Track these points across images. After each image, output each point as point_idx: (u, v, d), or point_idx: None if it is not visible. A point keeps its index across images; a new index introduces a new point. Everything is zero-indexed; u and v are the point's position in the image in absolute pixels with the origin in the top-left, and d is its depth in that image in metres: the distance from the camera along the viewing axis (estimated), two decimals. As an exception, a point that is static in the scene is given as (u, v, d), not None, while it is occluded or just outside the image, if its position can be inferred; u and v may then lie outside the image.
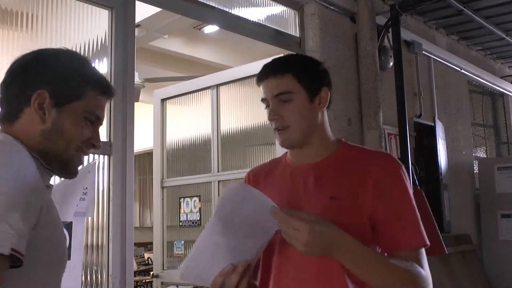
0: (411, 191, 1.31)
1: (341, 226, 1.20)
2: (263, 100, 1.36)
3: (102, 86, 1.11)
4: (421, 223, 1.29)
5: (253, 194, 1.20)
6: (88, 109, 1.08)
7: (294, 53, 3.20)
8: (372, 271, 1.20)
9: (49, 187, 1.09)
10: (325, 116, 1.38)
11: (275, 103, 1.32)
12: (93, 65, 1.15)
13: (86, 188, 2.02)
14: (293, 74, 1.32)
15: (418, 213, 1.29)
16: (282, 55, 3.06)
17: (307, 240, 1.12)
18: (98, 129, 1.12)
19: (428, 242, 1.27)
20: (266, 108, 1.36)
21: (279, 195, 1.32)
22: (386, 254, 1.29)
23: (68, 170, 1.10)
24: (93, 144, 1.11)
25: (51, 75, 1.06)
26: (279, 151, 3.17)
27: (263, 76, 1.35)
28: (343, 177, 1.30)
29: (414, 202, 1.30)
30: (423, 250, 1.28)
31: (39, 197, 0.95)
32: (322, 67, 1.40)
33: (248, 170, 1.54)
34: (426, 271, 1.25)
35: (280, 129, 1.33)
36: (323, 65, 1.42)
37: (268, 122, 1.37)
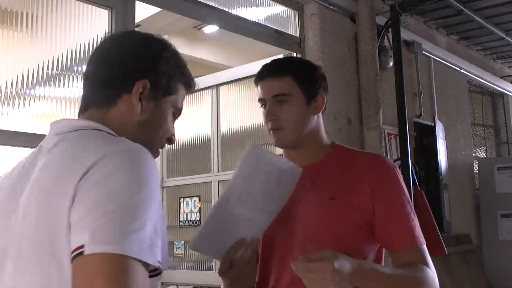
0: (406, 191, 1.33)
1: (340, 226, 1.23)
2: (260, 100, 1.37)
3: (190, 82, 1.09)
4: (416, 222, 1.31)
5: (268, 158, 1.19)
6: (177, 104, 1.05)
7: (293, 55, 3.21)
8: (385, 285, 1.22)
9: None
10: (320, 120, 1.40)
11: (273, 104, 1.33)
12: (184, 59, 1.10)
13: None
14: (293, 77, 1.33)
15: (414, 213, 1.31)
16: (282, 55, 3.08)
17: (332, 278, 1.10)
18: (174, 124, 1.08)
19: (424, 242, 1.29)
20: (261, 107, 1.37)
21: None
22: (390, 254, 1.32)
23: None
24: (171, 140, 1.06)
25: (157, 66, 1.00)
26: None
27: (262, 76, 1.36)
28: (339, 179, 1.32)
29: (409, 202, 1.32)
30: (424, 247, 1.29)
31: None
32: (320, 72, 1.41)
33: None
34: (431, 269, 1.27)
35: (275, 129, 1.34)
36: (321, 70, 1.43)
37: (264, 117, 1.37)
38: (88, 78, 1.01)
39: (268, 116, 1.34)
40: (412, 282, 1.22)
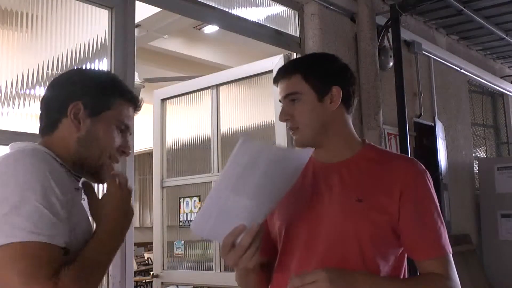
0: (435, 198, 1.30)
1: (364, 228, 1.23)
2: (279, 100, 1.38)
3: (129, 98, 1.22)
4: (443, 231, 1.28)
5: (274, 152, 1.17)
6: (118, 118, 1.18)
7: (293, 55, 3.21)
8: None
9: (78, 189, 1.18)
10: (343, 115, 1.36)
11: (286, 104, 1.34)
12: (121, 80, 1.27)
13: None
14: (301, 75, 1.32)
15: (441, 221, 1.28)
16: (281, 55, 3.08)
17: (330, 283, 1.12)
18: (127, 137, 1.22)
19: (450, 250, 1.27)
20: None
21: (301, 191, 1.32)
22: (414, 262, 1.30)
23: (100, 176, 1.19)
24: (124, 152, 1.21)
25: (85, 88, 1.17)
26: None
27: (276, 78, 1.38)
28: (368, 180, 1.29)
29: (438, 209, 1.29)
30: (448, 257, 1.26)
31: (67, 199, 1.05)
32: (335, 65, 1.39)
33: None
34: (451, 281, 1.24)
35: (292, 129, 1.34)
36: (338, 61, 1.40)
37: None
38: (40, 115, 1.21)
39: (281, 116, 1.34)
40: None
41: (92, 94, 1.17)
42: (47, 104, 1.20)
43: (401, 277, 1.32)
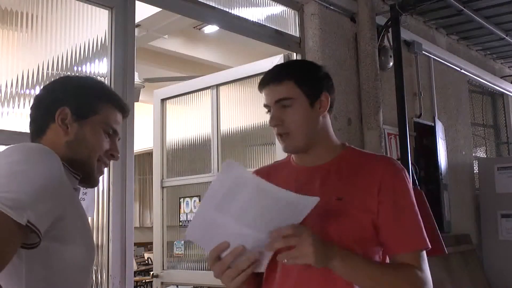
0: (412, 195, 1.33)
1: (346, 226, 1.25)
2: (265, 105, 1.38)
3: (116, 103, 1.25)
4: (421, 226, 1.31)
5: (263, 186, 1.14)
6: (106, 122, 1.21)
7: (293, 55, 3.22)
8: (368, 277, 1.22)
9: (77, 189, 1.21)
10: (327, 120, 1.40)
11: (276, 109, 1.34)
12: (109, 86, 1.29)
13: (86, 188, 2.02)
14: (294, 80, 1.34)
15: (419, 217, 1.32)
16: (281, 55, 3.08)
17: (313, 249, 1.12)
18: (115, 141, 1.25)
19: (428, 245, 1.30)
20: (267, 113, 1.38)
21: None
22: (387, 256, 1.32)
23: (91, 179, 1.22)
24: (112, 155, 1.23)
25: (71, 94, 1.20)
26: (279, 151, 3.17)
27: (264, 82, 1.38)
28: (348, 180, 1.32)
29: (415, 206, 1.32)
30: (423, 253, 1.30)
31: (64, 194, 1.07)
32: (322, 72, 1.41)
33: (248, 170, 1.54)
34: (424, 274, 1.27)
35: (282, 135, 1.35)
36: (324, 69, 1.43)
37: (268, 123, 1.38)
38: (29, 122, 1.23)
39: (272, 121, 1.34)
40: (396, 277, 1.23)
41: (78, 99, 1.20)
42: (35, 112, 1.22)
43: None
